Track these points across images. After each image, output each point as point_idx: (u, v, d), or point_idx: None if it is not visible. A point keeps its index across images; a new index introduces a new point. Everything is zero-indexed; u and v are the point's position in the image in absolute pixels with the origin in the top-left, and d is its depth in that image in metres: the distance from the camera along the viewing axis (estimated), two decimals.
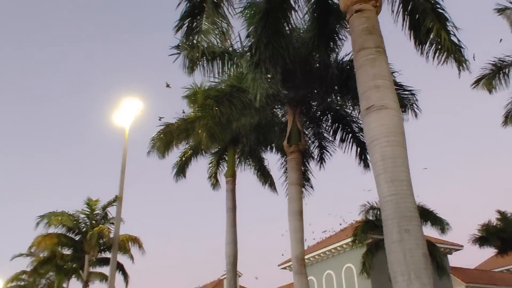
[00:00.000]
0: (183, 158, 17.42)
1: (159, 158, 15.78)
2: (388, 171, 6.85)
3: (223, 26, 9.43)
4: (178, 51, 10.94)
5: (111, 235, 23.06)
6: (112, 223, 23.48)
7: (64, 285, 33.67)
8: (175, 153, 17.01)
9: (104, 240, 23.83)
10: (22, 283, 40.18)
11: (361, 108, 7.67)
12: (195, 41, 9.49)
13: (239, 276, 31.22)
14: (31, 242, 24.55)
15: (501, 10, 14.05)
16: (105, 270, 27.32)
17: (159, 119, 10.75)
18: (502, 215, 26.41)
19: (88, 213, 24.94)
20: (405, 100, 13.24)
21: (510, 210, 26.35)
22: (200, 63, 12.11)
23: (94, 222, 24.61)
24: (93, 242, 22.57)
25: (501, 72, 15.39)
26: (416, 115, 13.51)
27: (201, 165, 19.28)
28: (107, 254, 25.68)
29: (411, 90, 13.44)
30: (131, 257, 25.00)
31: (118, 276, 24.56)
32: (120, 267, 24.94)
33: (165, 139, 15.26)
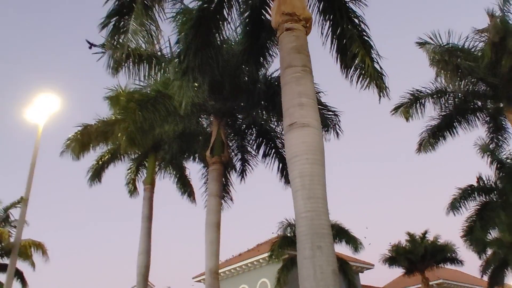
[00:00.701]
0: (100, 162, 16.62)
1: (73, 160, 14.91)
2: (306, 188, 6.92)
3: (152, 29, 9.16)
4: (103, 50, 10.44)
5: (12, 239, 21.33)
6: (14, 226, 21.74)
7: None
8: (92, 156, 16.21)
9: (2, 244, 21.98)
10: None
11: (284, 124, 7.73)
12: (121, 41, 9.11)
13: None
14: None
15: (422, 44, 14.99)
16: (2, 277, 25.20)
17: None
18: (411, 237, 28.05)
19: None
20: (328, 120, 13.65)
21: (418, 232, 28.09)
22: (126, 64, 11.68)
23: None
24: None
25: (418, 102, 16.38)
26: (338, 135, 13.98)
27: (119, 171, 18.54)
28: (5, 260, 23.69)
29: (334, 111, 13.89)
30: (33, 264, 23.22)
31: (16, 285, 22.72)
32: (18, 275, 23.06)
33: (81, 140, 14.47)
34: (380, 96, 10.41)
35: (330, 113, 13.88)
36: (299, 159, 7.13)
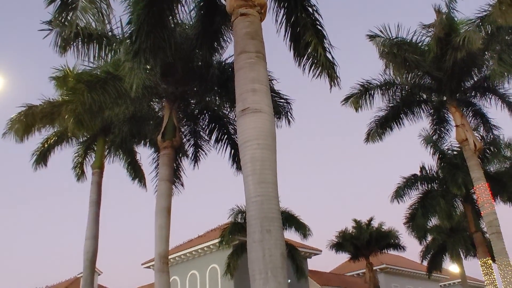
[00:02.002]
0: (46, 145, 15.98)
1: (16, 142, 14.26)
2: (256, 173, 6.99)
3: (102, 7, 8.85)
4: (50, 27, 10.01)
5: None
6: None
7: None
8: (37, 139, 15.55)
9: None
10: None
11: (236, 109, 7.74)
12: (69, 19, 8.76)
13: (99, 274, 29.63)
14: None
15: (372, 37, 15.38)
16: None
17: None
18: (357, 224, 29.03)
19: None
20: (280, 107, 13.79)
21: (364, 219, 29.13)
22: (75, 44, 11.23)
23: None
24: None
25: (367, 93, 16.84)
26: (289, 122, 14.18)
27: (66, 154, 17.93)
28: None
29: (287, 99, 14.07)
30: None
31: None
32: None
33: (25, 122, 13.83)
34: (331, 85, 10.63)
35: (282, 100, 14.04)
36: (251, 144, 7.19)
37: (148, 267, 29.07)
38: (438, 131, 19.25)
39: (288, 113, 14.16)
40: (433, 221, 25.28)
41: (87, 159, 16.91)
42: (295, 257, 22.46)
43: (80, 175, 17.02)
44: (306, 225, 22.85)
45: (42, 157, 16.03)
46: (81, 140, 16.46)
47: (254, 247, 6.60)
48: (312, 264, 30.47)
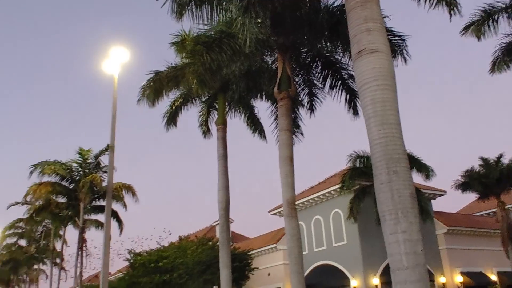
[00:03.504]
0: (174, 107, 17.34)
1: (149, 107, 15.68)
2: (378, 114, 6.96)
3: None
4: None
5: (104, 183, 23.37)
6: (105, 172, 23.70)
7: (61, 232, 34.76)
8: (166, 102, 16.94)
9: (97, 188, 24.14)
10: (20, 231, 41.58)
11: (352, 52, 7.66)
12: None
13: (231, 223, 31.95)
14: (26, 191, 24.90)
15: None
16: (100, 217, 27.99)
17: None
18: (485, 162, 27.14)
19: (81, 162, 25.07)
20: (394, 45, 13.22)
21: (492, 156, 27.13)
22: (189, 8, 11.85)
23: (87, 170, 24.81)
24: (86, 190, 22.85)
25: (490, 18, 15.30)
26: (405, 61, 13.58)
27: (191, 114, 19.29)
28: (101, 202, 26.19)
29: (401, 36, 13.42)
30: (124, 205, 25.47)
31: (113, 223, 25.11)
32: (114, 215, 25.40)
33: (154, 87, 15.11)
34: (450, 14, 9.92)
35: (396, 38, 13.43)
36: (370, 86, 7.13)
37: (275, 214, 30.56)
38: None
39: (404, 50, 13.53)
40: None
41: (210, 117, 18.04)
42: (419, 199, 21.69)
43: (206, 132, 18.22)
44: (429, 166, 22.11)
45: (171, 118, 17.47)
46: (203, 100, 17.55)
47: (382, 188, 6.69)
48: (437, 205, 29.44)
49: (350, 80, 14.68)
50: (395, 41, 13.37)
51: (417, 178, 22.84)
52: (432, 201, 28.36)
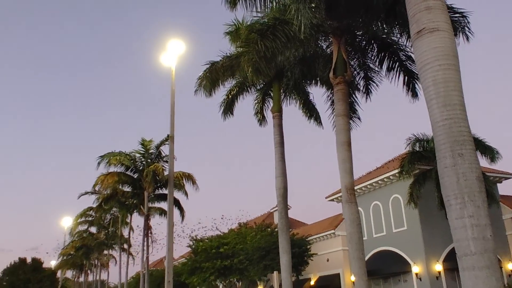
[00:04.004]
0: (230, 96, 17.58)
1: (206, 97, 16.04)
2: (441, 95, 6.74)
3: None
4: None
5: (166, 173, 24.28)
6: (166, 161, 24.62)
7: (127, 219, 36.73)
8: (222, 92, 17.22)
9: (159, 177, 25.13)
10: (90, 219, 44.47)
11: (411, 32, 7.43)
12: None
13: (288, 209, 32.09)
14: (94, 181, 26.47)
15: None
16: (163, 205, 29.19)
17: None
18: None
19: (143, 152, 26.23)
20: (455, 23, 12.63)
21: None
22: None
23: (149, 160, 25.90)
24: (149, 179, 23.87)
25: None
26: (468, 39, 12.96)
27: (247, 102, 19.49)
28: (163, 191, 27.28)
29: (462, 12, 12.80)
30: (185, 193, 26.35)
31: (175, 211, 26.05)
32: (176, 203, 26.35)
33: (211, 77, 15.41)
34: None
35: (457, 15, 12.82)
36: (431, 67, 6.91)
37: (332, 200, 30.41)
38: None
39: (465, 28, 12.90)
40: None
41: (266, 105, 18.14)
42: (484, 182, 21.01)
43: (262, 119, 18.37)
44: (493, 148, 21.11)
45: (228, 107, 17.75)
46: (259, 88, 17.66)
47: (446, 172, 6.49)
48: (503, 189, 28.07)
49: (409, 62, 14.22)
50: (456, 18, 12.78)
51: (482, 161, 21.91)
52: (498, 184, 27.18)
